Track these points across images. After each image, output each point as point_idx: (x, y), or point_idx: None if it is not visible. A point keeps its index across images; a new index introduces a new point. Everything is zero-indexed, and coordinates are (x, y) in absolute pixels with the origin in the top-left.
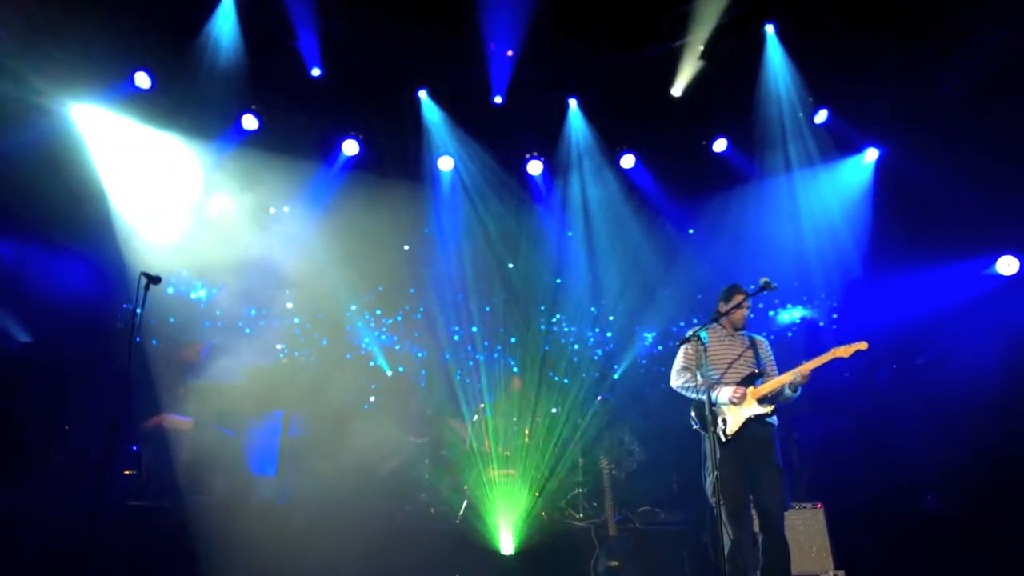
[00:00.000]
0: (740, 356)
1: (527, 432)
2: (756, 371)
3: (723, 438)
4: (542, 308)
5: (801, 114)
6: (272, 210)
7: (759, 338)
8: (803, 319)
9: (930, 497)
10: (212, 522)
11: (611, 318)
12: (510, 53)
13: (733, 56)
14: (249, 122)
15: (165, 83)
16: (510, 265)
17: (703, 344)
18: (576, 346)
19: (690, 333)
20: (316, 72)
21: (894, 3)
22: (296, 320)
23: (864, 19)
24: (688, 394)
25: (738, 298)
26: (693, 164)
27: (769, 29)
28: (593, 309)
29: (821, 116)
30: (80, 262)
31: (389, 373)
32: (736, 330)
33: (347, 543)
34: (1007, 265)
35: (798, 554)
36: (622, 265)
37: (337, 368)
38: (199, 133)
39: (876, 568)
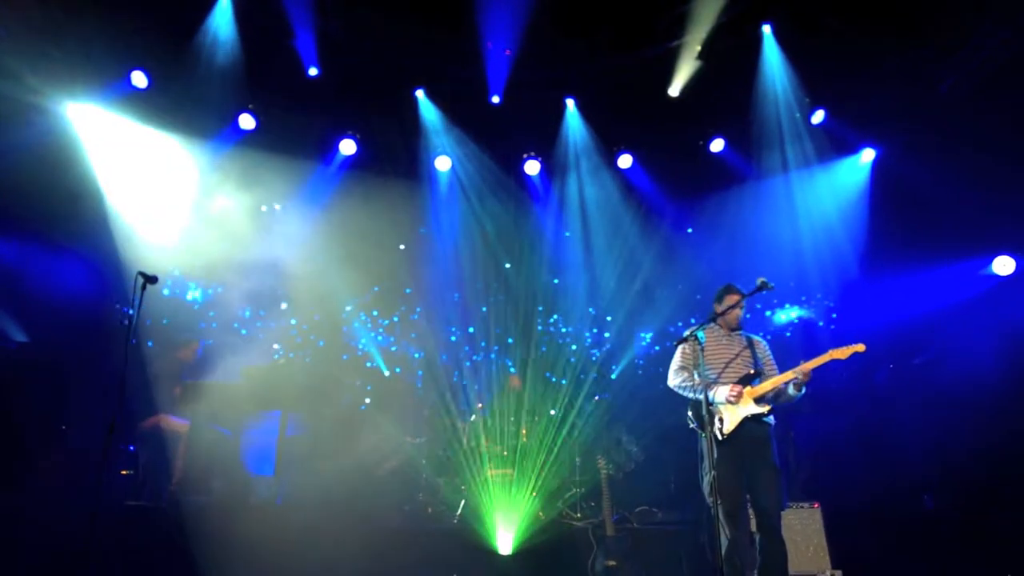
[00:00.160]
0: (737, 356)
1: (524, 432)
2: (753, 371)
3: (719, 437)
4: (540, 309)
5: (798, 114)
6: (264, 208)
7: (757, 338)
8: (800, 319)
9: (927, 497)
10: (210, 522)
11: (609, 319)
12: (508, 53)
13: (730, 56)
14: (246, 121)
15: (162, 82)
16: (507, 265)
17: (700, 344)
18: (574, 347)
19: (687, 333)
20: (313, 71)
21: (892, 3)
22: (293, 321)
23: (862, 19)
24: (685, 393)
25: (733, 299)
26: (690, 164)
27: (766, 29)
28: (591, 310)
29: (818, 116)
30: (77, 261)
31: (387, 373)
32: (732, 330)
33: (345, 543)
34: (1003, 265)
35: (795, 554)
36: (619, 265)
37: (334, 368)
38: (196, 132)
39: (873, 568)
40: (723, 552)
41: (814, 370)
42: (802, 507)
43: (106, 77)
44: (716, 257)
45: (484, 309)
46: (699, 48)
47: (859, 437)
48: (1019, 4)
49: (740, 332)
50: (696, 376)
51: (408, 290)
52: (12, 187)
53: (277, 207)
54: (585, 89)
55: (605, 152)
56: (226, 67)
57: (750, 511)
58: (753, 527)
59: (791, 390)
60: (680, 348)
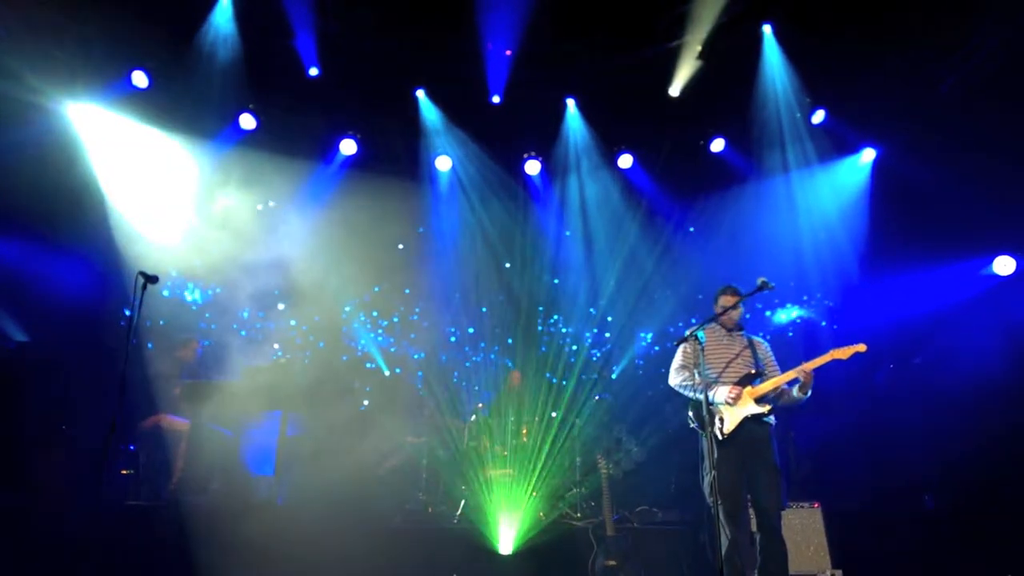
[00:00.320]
0: (738, 356)
1: (525, 432)
2: (754, 371)
3: (719, 437)
4: (540, 309)
5: (799, 114)
6: (259, 206)
7: (758, 339)
8: (801, 319)
9: (927, 497)
10: (210, 522)
11: (609, 319)
12: (508, 53)
13: (731, 56)
14: (247, 121)
15: (163, 82)
16: (507, 265)
17: (700, 344)
18: (574, 347)
19: (688, 333)
20: (314, 71)
21: (892, 3)
22: (292, 322)
23: (862, 19)
24: (686, 392)
25: (731, 299)
26: (691, 164)
27: (767, 29)
28: (592, 310)
29: (818, 116)
30: (77, 261)
31: (387, 373)
32: (732, 331)
33: (345, 543)
34: (1004, 265)
35: (795, 553)
36: (620, 265)
37: (334, 369)
38: (197, 132)
39: (873, 568)
40: (723, 552)
41: (815, 370)
42: (802, 507)
43: (107, 77)
44: (717, 257)
45: (484, 309)
46: (699, 48)
47: (859, 437)
48: (1019, 4)
49: (741, 332)
50: (697, 375)
51: (407, 290)
52: (12, 186)
53: (272, 204)
54: (585, 89)
55: (605, 152)
56: (227, 67)
57: (750, 511)
58: (753, 527)
59: (796, 392)
60: (681, 348)
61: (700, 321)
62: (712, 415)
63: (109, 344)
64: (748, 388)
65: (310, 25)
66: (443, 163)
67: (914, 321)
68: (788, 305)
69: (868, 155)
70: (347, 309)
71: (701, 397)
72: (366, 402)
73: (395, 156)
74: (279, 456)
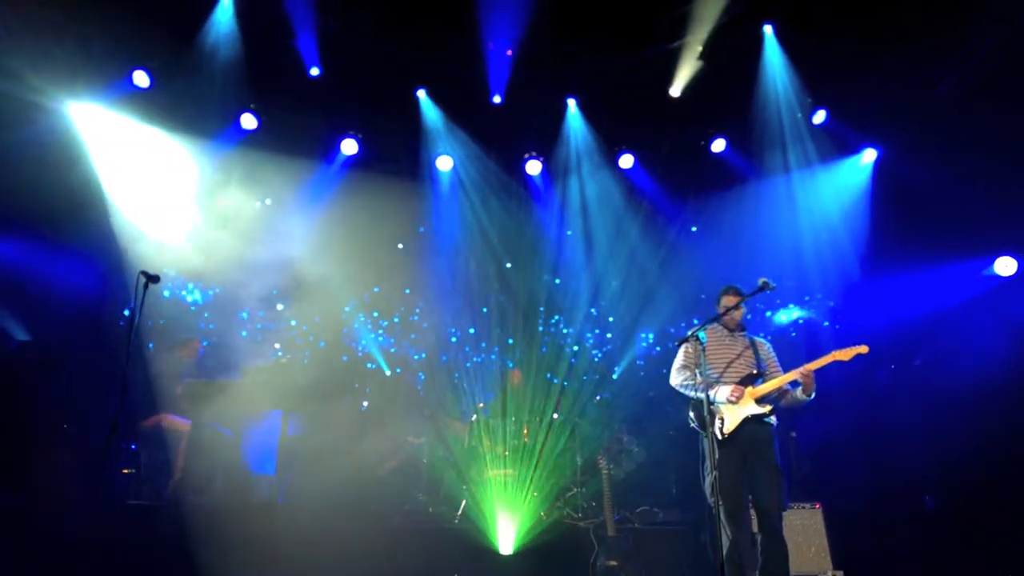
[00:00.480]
0: (739, 356)
1: (526, 432)
2: (755, 372)
3: (720, 437)
4: (541, 309)
5: (799, 114)
6: (256, 204)
7: (760, 339)
8: (802, 319)
9: (928, 497)
10: (211, 521)
11: (611, 319)
12: (509, 53)
13: (731, 56)
14: (248, 121)
15: (164, 82)
16: (508, 265)
17: (702, 344)
18: (575, 347)
19: (689, 333)
20: (315, 71)
21: (891, 3)
22: (293, 323)
23: (862, 19)
24: (687, 392)
25: (733, 299)
26: (692, 164)
27: (768, 30)
28: (593, 311)
29: (819, 117)
30: (79, 260)
31: (388, 373)
32: (734, 331)
33: (346, 543)
34: (1005, 266)
35: (796, 554)
36: (621, 266)
37: (335, 369)
38: (198, 132)
39: (874, 568)
40: (724, 552)
41: (816, 371)
42: (803, 507)
43: (108, 76)
44: (718, 257)
45: (485, 310)
46: (700, 48)
47: (860, 437)
48: (1017, 4)
49: (743, 333)
50: (698, 375)
51: (407, 290)
52: (14, 186)
53: (268, 202)
54: (586, 89)
55: (606, 152)
56: (228, 67)
57: (751, 511)
58: (755, 527)
59: (799, 394)
60: (683, 348)
61: (701, 321)
62: (713, 415)
63: (111, 343)
64: (749, 388)
65: (311, 25)
66: (444, 163)
67: (915, 321)
68: (789, 305)
69: (869, 155)
70: (347, 309)
71: (702, 396)
72: (366, 402)
73: (396, 156)
74: (280, 456)
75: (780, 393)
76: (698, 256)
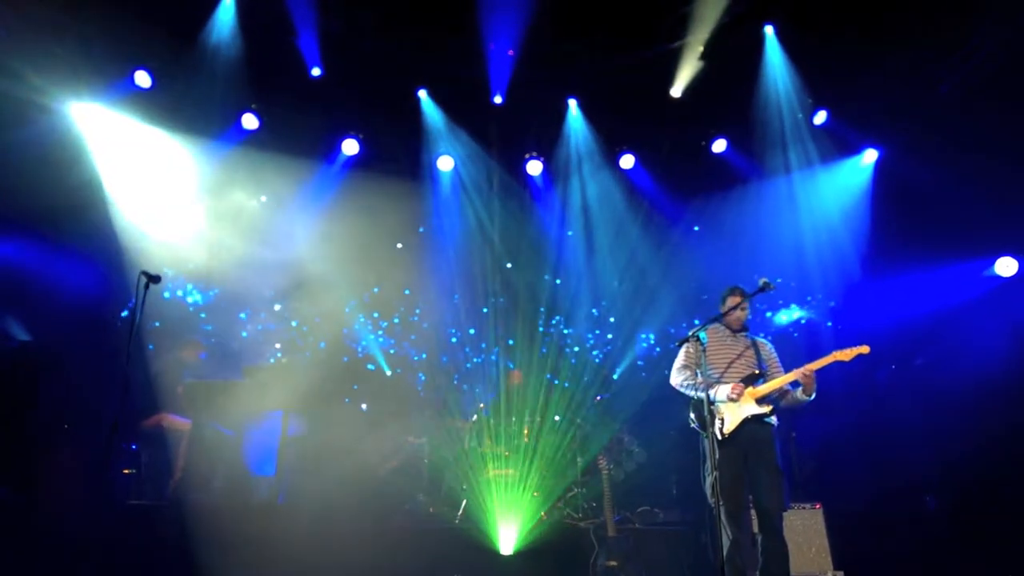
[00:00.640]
0: (740, 356)
1: (526, 432)
2: (757, 372)
3: (720, 437)
4: (541, 310)
5: (800, 115)
6: (256, 203)
7: (761, 340)
8: (802, 319)
9: (929, 498)
10: (211, 522)
11: (612, 320)
12: (510, 53)
13: (733, 57)
14: (249, 121)
15: (165, 82)
16: (508, 265)
17: (702, 344)
18: (576, 348)
19: (690, 334)
20: (316, 71)
21: (892, 3)
22: (294, 324)
23: (862, 20)
24: (687, 392)
25: (734, 300)
26: (693, 165)
27: (768, 30)
28: (594, 311)
29: (820, 117)
30: (80, 261)
31: (389, 373)
32: (736, 331)
33: (346, 543)
34: (1006, 266)
35: (797, 555)
36: (622, 266)
37: (335, 369)
38: (199, 132)
39: (875, 569)
40: (725, 553)
41: (816, 371)
42: (804, 508)
43: (109, 76)
44: (719, 257)
45: (485, 310)
46: (701, 49)
47: (861, 437)
48: (1018, 4)
49: (745, 333)
50: (699, 375)
51: (407, 291)
52: (15, 186)
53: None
54: (587, 89)
55: (607, 152)
56: (229, 67)
57: (752, 512)
58: (755, 528)
59: (799, 394)
60: (684, 348)
61: (702, 322)
62: (713, 415)
63: (112, 343)
64: (750, 388)
65: (313, 25)
66: (445, 163)
67: (916, 322)
68: (791, 306)
69: (870, 156)
70: (346, 310)
71: (703, 396)
72: (367, 403)
73: (397, 156)
74: (280, 456)
75: (781, 393)
76: (699, 256)
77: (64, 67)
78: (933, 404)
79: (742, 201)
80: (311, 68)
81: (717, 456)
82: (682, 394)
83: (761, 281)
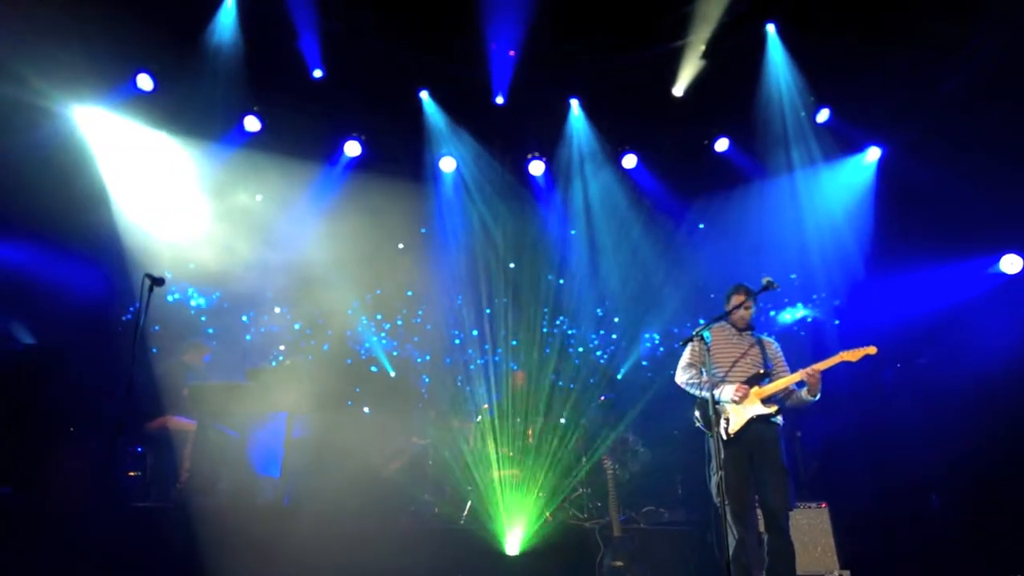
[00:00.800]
0: (744, 355)
1: (530, 433)
2: (762, 371)
3: (724, 436)
4: (545, 310)
5: (803, 113)
6: (258, 204)
7: (768, 338)
8: (806, 318)
9: (935, 497)
10: (216, 523)
11: (616, 320)
12: (512, 53)
13: (734, 56)
14: (251, 123)
15: (167, 85)
16: (512, 265)
17: (706, 344)
18: (580, 348)
19: (694, 333)
20: (318, 73)
21: (894, 2)
22: (296, 326)
23: (865, 18)
24: (692, 390)
25: (739, 298)
26: (695, 164)
27: (770, 29)
28: (599, 311)
29: (823, 115)
30: (84, 264)
31: (392, 374)
32: (742, 330)
33: (351, 544)
34: (1011, 263)
35: (803, 554)
36: (625, 266)
37: (339, 371)
38: (201, 135)
39: (881, 568)
40: (731, 552)
41: (822, 372)
42: (810, 507)
43: (112, 80)
44: (722, 257)
45: (488, 311)
46: (703, 48)
47: (866, 436)
48: (1019, 5)
49: (750, 332)
50: (704, 374)
51: (409, 292)
52: (19, 190)
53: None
54: (589, 89)
55: (610, 152)
56: (231, 69)
57: (758, 511)
58: (761, 527)
59: (804, 394)
60: (689, 346)
61: (706, 321)
62: (718, 415)
63: (116, 346)
64: (755, 388)
65: (314, 27)
66: (447, 164)
67: (921, 320)
68: (797, 304)
69: (873, 154)
70: (349, 312)
71: (707, 395)
72: (371, 404)
73: (399, 157)
74: (285, 458)
75: (786, 393)
76: (702, 256)
77: (67, 71)
78: (938, 403)
79: (745, 200)
80: (312, 70)
81: (722, 456)
82: (687, 394)
83: (765, 280)
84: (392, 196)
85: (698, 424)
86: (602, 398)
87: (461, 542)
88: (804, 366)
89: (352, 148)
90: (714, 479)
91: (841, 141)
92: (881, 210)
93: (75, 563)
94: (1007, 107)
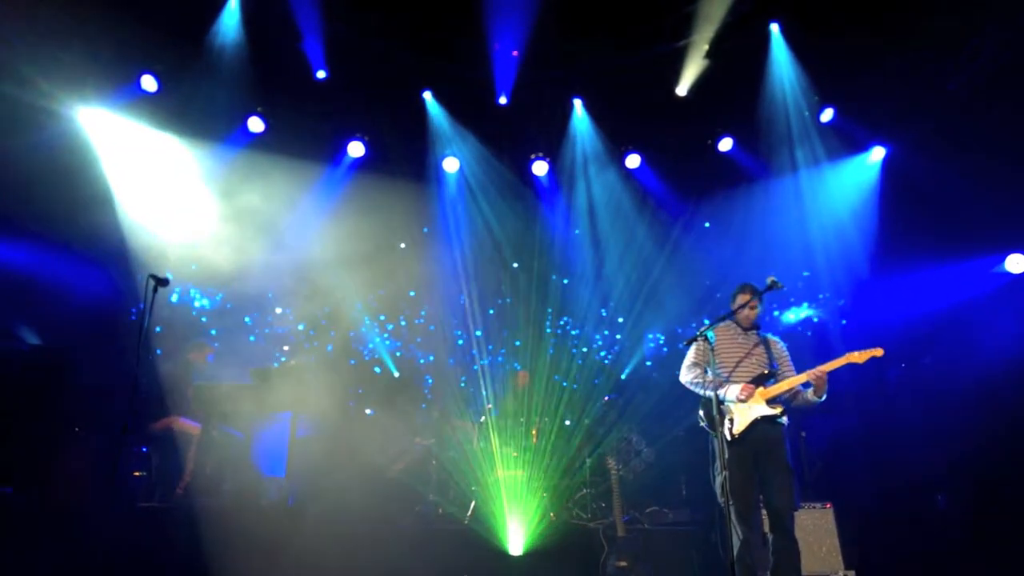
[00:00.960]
0: (748, 355)
1: (534, 433)
2: (767, 371)
3: (729, 437)
4: (548, 310)
5: (807, 112)
6: (263, 206)
7: (773, 338)
8: (810, 318)
9: (940, 497)
10: (221, 523)
11: (621, 320)
12: (515, 53)
13: (738, 55)
14: (255, 124)
15: (171, 86)
16: (515, 265)
17: (710, 343)
18: (584, 349)
19: (698, 333)
20: (321, 74)
21: (898, 1)
22: (300, 327)
23: (868, 17)
24: (696, 390)
25: (744, 298)
26: (699, 164)
27: (774, 28)
28: (603, 311)
29: (827, 115)
30: (88, 264)
31: (397, 375)
32: (747, 329)
33: (356, 544)
34: (1016, 263)
35: (808, 554)
36: (628, 266)
37: (343, 371)
38: (205, 135)
39: (886, 568)
40: (735, 552)
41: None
42: (814, 507)
43: (116, 81)
44: (726, 256)
45: (491, 312)
46: (707, 47)
47: (871, 436)
48: (1021, 4)
49: (756, 331)
50: (708, 374)
51: (412, 292)
52: (24, 191)
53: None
54: (592, 89)
55: (613, 152)
56: (235, 70)
57: (762, 511)
58: (766, 527)
59: (810, 395)
60: (693, 346)
61: (711, 321)
62: (723, 415)
63: (121, 347)
64: (760, 389)
65: (318, 28)
66: (450, 164)
67: (926, 319)
68: (803, 304)
69: (878, 153)
70: (353, 313)
71: (711, 395)
72: (375, 405)
73: (402, 158)
74: (290, 458)
75: (792, 394)
76: (707, 255)
77: (71, 72)
78: (943, 403)
79: (749, 200)
80: (316, 71)
81: (726, 456)
82: (692, 394)
83: (769, 280)
84: (395, 197)
85: (702, 424)
86: (606, 398)
87: (465, 542)
88: (807, 366)
89: (355, 149)
90: (718, 479)
91: (845, 140)
92: (885, 209)
93: (79, 563)
94: (1011, 106)
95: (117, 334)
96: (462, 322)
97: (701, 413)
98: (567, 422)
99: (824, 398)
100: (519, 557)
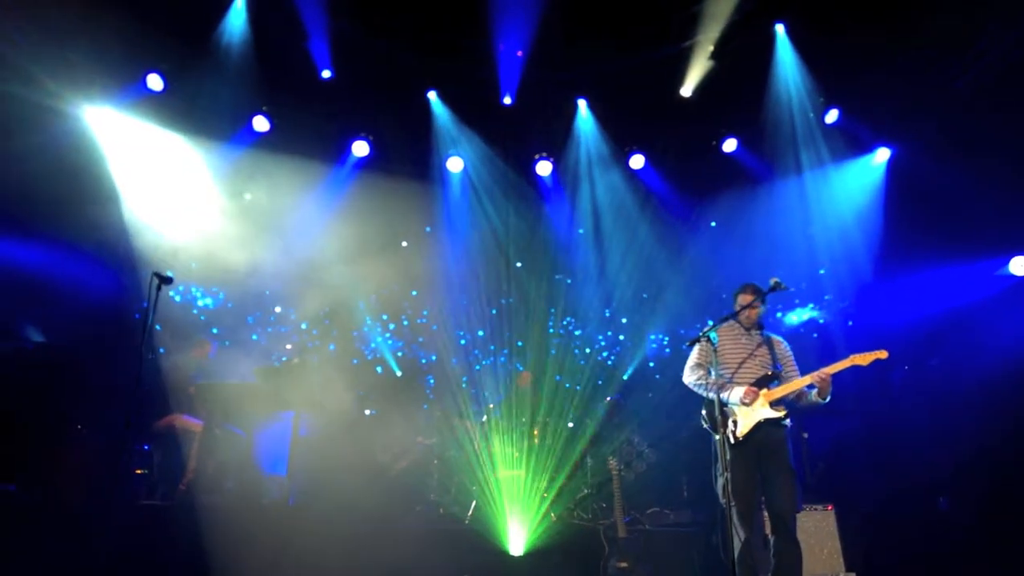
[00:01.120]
0: (752, 355)
1: (536, 433)
2: (771, 373)
3: (732, 440)
4: (552, 311)
5: (812, 113)
6: (248, 196)
7: (777, 338)
8: (813, 320)
9: (943, 499)
10: (223, 522)
11: (624, 320)
12: (520, 54)
13: (743, 55)
14: (260, 123)
15: (177, 85)
16: (518, 264)
17: (713, 344)
18: (587, 349)
19: (700, 333)
20: (327, 74)
21: (903, 1)
22: (303, 326)
23: (874, 18)
24: (699, 391)
25: (747, 298)
26: (703, 164)
27: (779, 28)
28: (607, 312)
29: (832, 116)
30: (93, 263)
31: (399, 374)
32: (748, 329)
33: (357, 543)
34: (1020, 266)
35: (809, 556)
36: (631, 266)
37: (345, 370)
38: (211, 135)
39: (888, 571)
40: (736, 554)
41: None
42: (816, 509)
43: (122, 80)
44: (730, 257)
45: (494, 311)
46: (712, 48)
47: (873, 438)
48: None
49: (759, 332)
50: (711, 375)
51: (414, 292)
52: (31, 189)
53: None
54: (597, 90)
55: (617, 152)
56: (241, 70)
57: (764, 513)
58: (767, 529)
59: (814, 396)
60: (696, 346)
61: (715, 321)
62: (726, 416)
63: (124, 345)
64: (764, 391)
65: (323, 27)
66: (455, 164)
67: (929, 321)
68: (808, 305)
69: (882, 154)
70: (355, 312)
71: (714, 396)
72: (377, 404)
73: (407, 158)
74: (292, 456)
75: (796, 395)
76: (710, 256)
77: (78, 72)
78: (946, 405)
79: (753, 201)
80: (321, 70)
81: (728, 457)
82: (694, 395)
83: (772, 281)
84: (399, 196)
85: (705, 425)
86: (608, 399)
87: (466, 542)
88: (811, 368)
89: (360, 148)
90: (720, 480)
91: (850, 142)
92: (890, 211)
93: (82, 560)
94: (1018, 106)
95: (121, 332)
96: (465, 322)
97: (704, 414)
98: (569, 423)
99: (828, 399)
100: (520, 557)
